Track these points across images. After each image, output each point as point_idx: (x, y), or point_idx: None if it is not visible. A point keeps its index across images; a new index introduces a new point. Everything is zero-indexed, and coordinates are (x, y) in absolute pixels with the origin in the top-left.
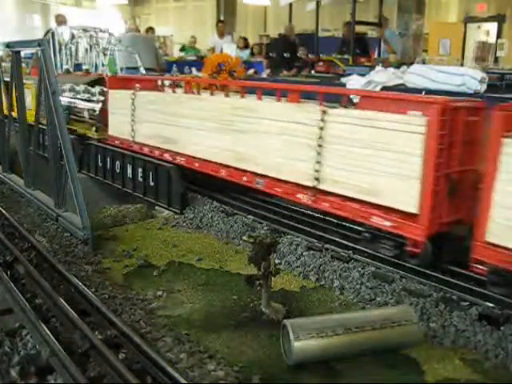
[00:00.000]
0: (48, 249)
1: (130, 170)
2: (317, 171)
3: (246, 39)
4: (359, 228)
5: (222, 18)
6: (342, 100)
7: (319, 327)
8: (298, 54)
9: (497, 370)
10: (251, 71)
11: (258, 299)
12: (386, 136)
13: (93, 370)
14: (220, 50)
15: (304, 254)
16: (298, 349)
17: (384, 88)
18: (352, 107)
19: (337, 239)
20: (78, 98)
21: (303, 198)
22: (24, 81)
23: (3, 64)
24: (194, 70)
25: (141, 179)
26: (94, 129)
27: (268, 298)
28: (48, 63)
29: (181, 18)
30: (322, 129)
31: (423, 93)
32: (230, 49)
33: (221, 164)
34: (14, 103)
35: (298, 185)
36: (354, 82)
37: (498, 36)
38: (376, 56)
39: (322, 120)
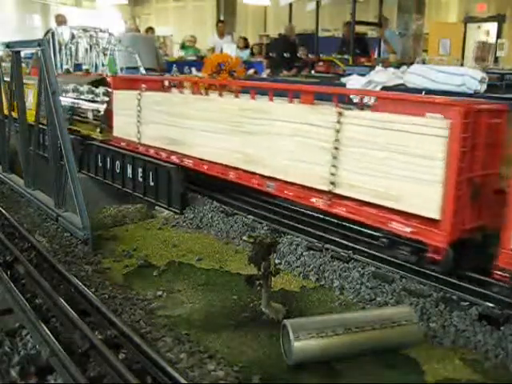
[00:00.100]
0: (48, 249)
1: (129, 170)
2: (332, 175)
3: (245, 39)
4: (376, 233)
5: (222, 18)
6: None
7: (319, 327)
8: (298, 54)
9: (497, 370)
10: (251, 71)
11: (258, 299)
12: (405, 139)
13: (93, 370)
14: (220, 49)
15: (304, 253)
16: (297, 349)
17: (384, 88)
18: (368, 109)
19: (337, 239)
20: (82, 99)
21: (318, 202)
22: (26, 81)
23: (3, 64)
24: (193, 69)
25: (141, 179)
26: (98, 130)
27: (268, 298)
28: (48, 63)
29: (181, 17)
30: (338, 131)
31: (423, 93)
32: (229, 49)
33: (230, 166)
34: (14, 103)
35: (311, 188)
36: (354, 81)
37: (498, 36)
38: (376, 56)
39: (339, 122)
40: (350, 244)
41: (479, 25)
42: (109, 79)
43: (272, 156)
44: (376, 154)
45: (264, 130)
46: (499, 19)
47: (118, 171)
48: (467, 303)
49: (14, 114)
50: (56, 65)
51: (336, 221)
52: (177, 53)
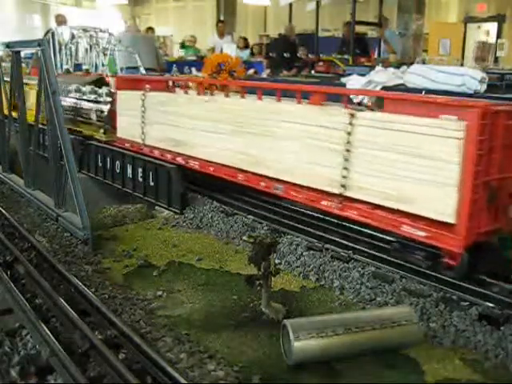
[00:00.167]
0: (48, 249)
1: (129, 170)
2: (344, 177)
3: (245, 39)
4: (387, 237)
5: (222, 18)
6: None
7: (319, 327)
8: (298, 54)
9: (497, 370)
10: (251, 71)
11: (258, 299)
12: (420, 141)
13: (93, 370)
14: (220, 49)
15: (304, 253)
16: (297, 349)
17: (384, 88)
18: (379, 110)
19: (337, 239)
20: (85, 99)
21: (328, 205)
22: (27, 81)
23: (3, 64)
24: (193, 69)
25: (141, 179)
26: (101, 131)
27: (268, 298)
28: (48, 63)
29: (181, 17)
30: (349, 133)
31: (423, 93)
32: (229, 49)
33: (237, 168)
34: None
35: (321, 191)
36: (354, 81)
37: (498, 36)
38: (376, 56)
39: (350, 124)
40: (350, 244)
41: (479, 25)
42: (108, 79)
43: (280, 158)
44: (389, 156)
45: (272, 132)
46: (499, 19)
47: (117, 171)
48: (467, 303)
49: (14, 114)
50: (56, 65)
51: (336, 221)
52: (177, 53)
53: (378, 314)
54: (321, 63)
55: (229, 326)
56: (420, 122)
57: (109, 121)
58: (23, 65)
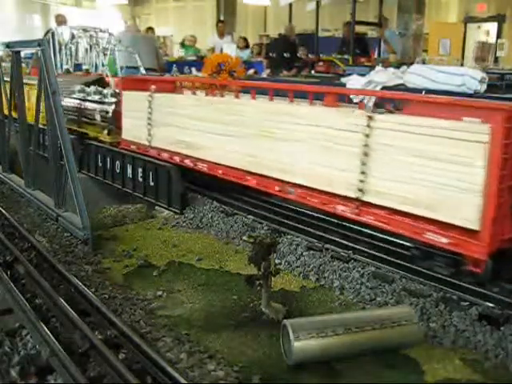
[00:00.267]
0: (48, 249)
1: (129, 170)
2: (361, 181)
3: (245, 39)
4: (406, 243)
5: (222, 18)
6: (385, 104)
7: (319, 327)
8: (298, 54)
9: (497, 370)
10: (251, 71)
11: (258, 299)
12: (442, 145)
13: (93, 370)
14: (220, 49)
15: (304, 253)
16: (297, 349)
17: (384, 88)
18: (398, 112)
19: (337, 239)
20: (89, 100)
21: (344, 210)
22: (29, 81)
23: (3, 64)
24: (193, 69)
25: (141, 179)
26: (106, 132)
27: (268, 298)
28: (48, 63)
29: (181, 17)
30: (367, 136)
31: (423, 93)
32: (229, 49)
33: (247, 171)
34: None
35: (337, 195)
36: (354, 81)
37: (498, 36)
38: (376, 56)
39: (368, 126)
40: (350, 244)
41: (479, 25)
42: (108, 79)
43: (293, 161)
44: (409, 160)
45: (285, 134)
46: (499, 19)
47: (117, 171)
48: (467, 303)
49: (14, 114)
50: (56, 65)
51: (336, 221)
52: (177, 53)
53: (378, 314)
54: (321, 63)
55: (229, 326)
56: (443, 124)
57: (113, 122)
58: (23, 65)
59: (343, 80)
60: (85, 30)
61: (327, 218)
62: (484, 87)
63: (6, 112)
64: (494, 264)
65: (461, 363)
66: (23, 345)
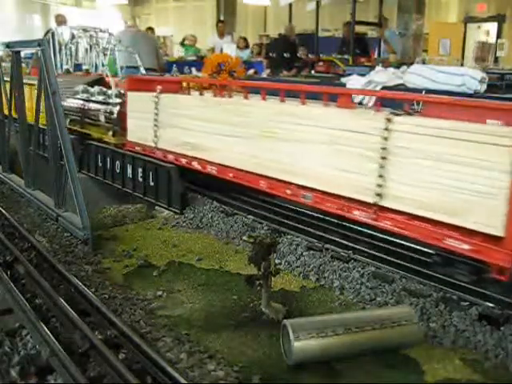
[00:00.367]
0: (48, 249)
1: (129, 170)
2: (379, 186)
3: (245, 39)
4: (427, 250)
5: (222, 18)
6: (404, 106)
7: (319, 327)
8: (298, 54)
9: (497, 370)
10: (251, 71)
11: (258, 299)
12: (464, 148)
13: (93, 370)
14: (220, 50)
15: (304, 253)
16: (297, 349)
17: (384, 88)
18: (417, 114)
19: (337, 239)
20: (93, 101)
21: (361, 215)
22: (27, 81)
23: (3, 64)
24: (193, 70)
25: (141, 179)
26: (110, 133)
27: (268, 298)
28: (48, 63)
29: (181, 17)
30: (386, 139)
31: (423, 93)
32: (229, 49)
33: (259, 175)
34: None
35: (353, 200)
36: (354, 82)
37: (498, 36)
38: (376, 56)
39: (386, 129)
40: (350, 244)
41: (479, 25)
42: (108, 79)
43: (307, 164)
44: (429, 164)
45: (297, 136)
46: (499, 19)
47: (118, 171)
48: (467, 303)
49: (14, 114)
50: (56, 65)
51: (336, 221)
52: (177, 53)
53: (378, 314)
54: (321, 63)
55: (229, 326)
56: (465, 127)
57: (118, 123)
58: (23, 65)
59: (343, 80)
60: (85, 30)
61: (327, 218)
62: (484, 87)
63: (6, 112)
64: None
65: (461, 363)
66: (23, 345)
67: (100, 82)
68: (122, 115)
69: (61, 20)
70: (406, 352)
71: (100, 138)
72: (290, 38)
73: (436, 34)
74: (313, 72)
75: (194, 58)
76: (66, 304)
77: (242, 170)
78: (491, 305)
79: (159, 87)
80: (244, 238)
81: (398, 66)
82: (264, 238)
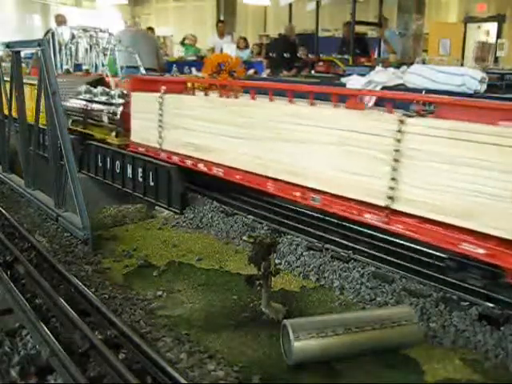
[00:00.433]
0: (48, 249)
1: (129, 170)
2: (391, 189)
3: (245, 39)
4: (440, 254)
5: (222, 18)
6: (416, 107)
7: (319, 327)
8: (298, 54)
9: (497, 370)
10: (251, 71)
11: (258, 299)
12: (479, 150)
13: (93, 370)
14: (220, 50)
15: (304, 253)
16: (298, 349)
17: (384, 88)
18: (430, 116)
19: (337, 239)
20: (96, 101)
21: (372, 218)
22: (29, 81)
23: (3, 64)
24: (193, 69)
25: (141, 179)
26: (113, 134)
27: (268, 298)
28: (48, 63)
29: (181, 17)
30: (398, 141)
31: (423, 93)
32: (229, 49)
33: (267, 177)
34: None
35: (363, 203)
36: (354, 82)
37: (498, 36)
38: (376, 56)
39: (399, 131)
40: (350, 244)
41: (479, 25)
42: (108, 79)
43: (316, 166)
44: (444, 167)
45: (306, 138)
46: (499, 19)
47: (118, 171)
48: (467, 303)
49: (14, 114)
50: (56, 65)
51: (336, 221)
52: (177, 53)
53: (378, 314)
54: (321, 63)
55: (229, 326)
56: (483, 130)
57: (121, 123)
58: (23, 65)
59: (343, 80)
60: (85, 30)
61: (327, 218)
62: (484, 87)
63: (6, 112)
64: None
65: (461, 363)
66: (23, 345)
67: (100, 81)
68: (126, 116)
69: (61, 20)
70: (406, 352)
71: (103, 138)
72: (290, 38)
73: (436, 34)
74: (313, 72)
75: (194, 58)
76: (66, 304)
77: (249, 172)
78: (491, 305)
79: (163, 87)
80: (244, 238)
81: (398, 66)
82: (264, 238)
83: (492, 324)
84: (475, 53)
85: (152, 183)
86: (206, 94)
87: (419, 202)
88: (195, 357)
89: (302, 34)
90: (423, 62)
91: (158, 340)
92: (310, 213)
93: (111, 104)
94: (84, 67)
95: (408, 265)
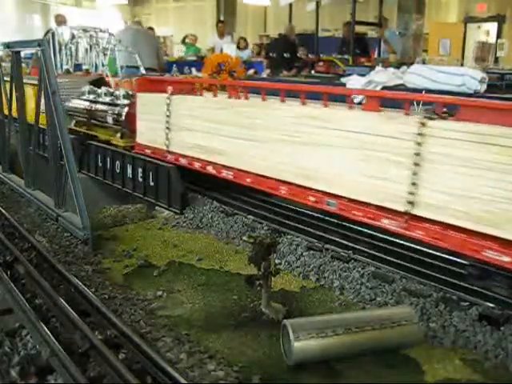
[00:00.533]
0: (48, 249)
1: (129, 170)
2: (411, 194)
3: (245, 39)
4: (461, 260)
5: (222, 18)
6: (436, 108)
7: (319, 327)
8: (298, 54)
9: (497, 370)
10: (251, 71)
11: (258, 299)
12: (503, 155)
13: (93, 370)
14: (220, 50)
15: (304, 254)
16: (298, 349)
17: (384, 88)
18: (451, 118)
19: (337, 239)
20: (100, 102)
21: (391, 224)
22: (29, 81)
23: (3, 64)
24: (193, 70)
25: (141, 179)
26: (118, 135)
27: (268, 298)
28: (48, 63)
29: (181, 17)
30: (419, 144)
31: (423, 93)
32: (229, 49)
33: (280, 180)
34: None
35: (381, 208)
36: (354, 82)
37: (498, 36)
38: (376, 56)
39: (420, 134)
40: (350, 244)
41: (479, 25)
42: (108, 79)
43: (332, 170)
44: (467, 172)
45: (320, 140)
46: (499, 19)
47: (118, 171)
48: (467, 303)
49: (14, 114)
50: (56, 65)
51: (336, 221)
52: (177, 53)
53: (378, 314)
54: (321, 63)
55: (229, 326)
56: (507, 133)
57: (126, 125)
58: (23, 65)
59: (343, 80)
60: (85, 30)
61: (327, 218)
62: (484, 87)
63: (6, 112)
64: None
65: (461, 363)
66: (23, 345)
67: (100, 81)
68: (131, 117)
69: (61, 20)
70: (406, 352)
71: (108, 140)
72: (290, 38)
73: (436, 34)
74: (313, 72)
75: (194, 58)
76: (66, 304)
77: (260, 176)
78: (491, 305)
79: (170, 88)
80: (244, 238)
81: (398, 66)
82: (264, 238)
83: (492, 324)
84: (475, 53)
85: (152, 183)
86: (214, 95)
87: (441, 208)
88: (195, 357)
89: (302, 34)
90: (423, 62)
91: (157, 340)
92: (310, 213)
93: (116, 105)
94: (84, 67)
95: (408, 265)
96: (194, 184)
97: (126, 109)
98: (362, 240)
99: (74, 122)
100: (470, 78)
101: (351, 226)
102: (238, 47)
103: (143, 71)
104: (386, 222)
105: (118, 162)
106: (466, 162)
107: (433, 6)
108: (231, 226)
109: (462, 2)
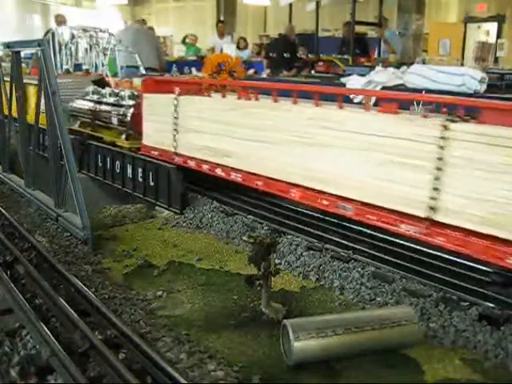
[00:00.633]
0: (48, 249)
1: (129, 170)
2: (433, 199)
3: (245, 39)
4: (485, 268)
5: (222, 18)
6: (457, 111)
7: (319, 327)
8: (298, 54)
9: (497, 370)
10: (251, 71)
11: (258, 299)
12: None
13: (93, 370)
14: (220, 50)
15: (304, 254)
16: (298, 349)
17: (384, 88)
18: (474, 120)
19: (337, 239)
20: (104, 103)
21: (410, 229)
22: (29, 81)
23: (3, 64)
24: (193, 70)
25: (141, 179)
26: (123, 136)
27: (268, 298)
28: (48, 63)
29: (181, 18)
30: (442, 148)
31: (423, 93)
32: (229, 49)
33: (290, 183)
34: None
35: (399, 213)
36: (354, 82)
37: (498, 36)
38: (376, 56)
39: (442, 137)
40: (350, 244)
41: (479, 25)
42: (108, 79)
43: (346, 173)
44: (491, 176)
45: (334, 143)
46: (499, 19)
47: (118, 171)
48: (467, 303)
49: (14, 114)
50: (56, 65)
51: (336, 221)
52: (177, 53)
53: (378, 314)
54: (321, 63)
55: (229, 326)
56: None
57: (132, 126)
58: (23, 65)
59: (343, 80)
60: (85, 30)
61: (327, 218)
62: (484, 87)
63: (6, 112)
64: None
65: (461, 363)
66: (23, 345)
67: (100, 81)
68: (137, 118)
69: (61, 20)
70: (405, 352)
71: (113, 141)
72: (290, 38)
73: (436, 34)
74: (313, 72)
75: (194, 57)
76: (65, 304)
77: (270, 178)
78: (491, 305)
79: (177, 89)
80: (244, 238)
81: (397, 66)
82: (264, 238)
83: (492, 324)
84: (475, 53)
85: (152, 183)
86: (223, 96)
87: (464, 214)
88: (195, 357)
89: (302, 34)
90: (423, 62)
91: (157, 340)
92: (310, 213)
93: (121, 105)
94: (84, 67)
95: (408, 265)
96: (193, 184)
97: (132, 110)
98: (362, 240)
99: (79, 122)
100: (470, 77)
101: (351, 226)
102: (238, 47)
103: (143, 71)
104: (404, 228)
105: (117, 162)
106: (489, 166)
107: (433, 6)
108: (231, 225)
109: (461, 2)
